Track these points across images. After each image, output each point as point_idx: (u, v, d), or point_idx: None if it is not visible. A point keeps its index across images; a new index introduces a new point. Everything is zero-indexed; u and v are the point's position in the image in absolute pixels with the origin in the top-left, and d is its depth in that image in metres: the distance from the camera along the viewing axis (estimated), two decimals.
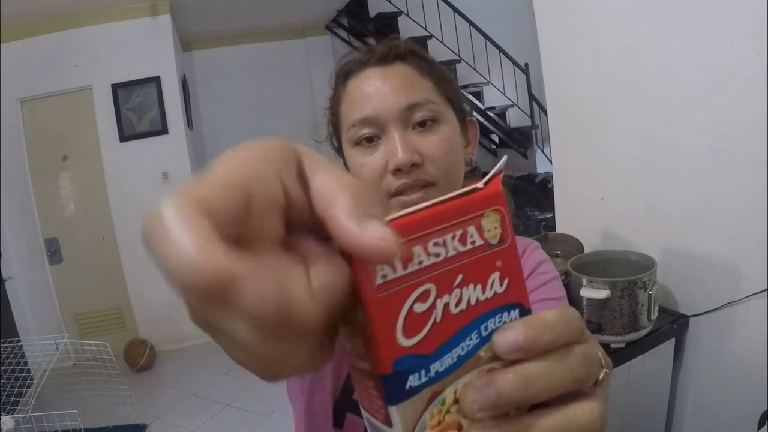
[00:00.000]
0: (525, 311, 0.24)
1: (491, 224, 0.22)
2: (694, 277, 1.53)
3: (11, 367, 2.47)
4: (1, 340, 2.64)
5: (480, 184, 0.23)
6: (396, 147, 0.60)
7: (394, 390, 0.21)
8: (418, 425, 0.22)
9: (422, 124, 0.62)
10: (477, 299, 0.22)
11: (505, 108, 5.09)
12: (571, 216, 1.99)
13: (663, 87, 1.52)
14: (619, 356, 1.42)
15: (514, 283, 0.23)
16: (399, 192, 0.61)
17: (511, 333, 0.22)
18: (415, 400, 0.22)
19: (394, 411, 0.21)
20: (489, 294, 0.22)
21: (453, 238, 0.22)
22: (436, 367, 0.22)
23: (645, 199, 1.65)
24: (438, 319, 0.21)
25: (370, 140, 0.62)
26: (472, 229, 0.22)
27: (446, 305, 0.22)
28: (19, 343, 2.66)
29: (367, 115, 0.62)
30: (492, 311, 0.23)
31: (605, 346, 1.41)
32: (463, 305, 0.22)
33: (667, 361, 1.58)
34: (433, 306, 0.21)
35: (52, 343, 2.51)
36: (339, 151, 0.72)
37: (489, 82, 5.02)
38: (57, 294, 3.79)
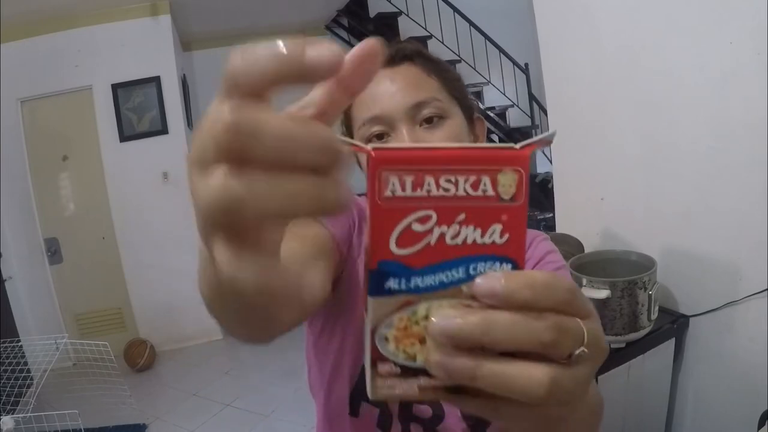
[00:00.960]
0: (517, 269, 0.25)
1: (507, 181, 0.24)
2: (694, 277, 1.53)
3: (11, 367, 2.47)
4: (1, 340, 2.64)
5: (516, 145, 0.25)
6: (404, 141, 0.63)
7: (373, 284, 0.24)
8: (385, 321, 0.25)
9: (429, 121, 0.65)
10: (474, 240, 0.24)
11: (505, 108, 5.09)
12: (571, 216, 1.99)
13: (663, 87, 1.52)
14: (619, 356, 1.42)
15: (513, 240, 0.24)
16: None
17: (492, 280, 0.23)
18: (390, 300, 0.24)
19: (370, 301, 0.25)
20: (487, 240, 0.24)
21: (465, 180, 0.24)
22: (417, 281, 0.24)
23: (645, 199, 1.65)
24: (432, 243, 0.24)
25: (380, 137, 0.66)
26: (486, 179, 0.24)
27: (443, 234, 0.24)
28: (19, 343, 2.66)
29: (376, 113, 0.65)
30: (485, 256, 0.24)
31: None
32: (458, 240, 0.24)
33: (667, 361, 1.58)
34: (430, 230, 0.24)
35: (52, 343, 2.51)
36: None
37: (489, 82, 5.02)
38: (57, 294, 3.79)
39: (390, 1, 4.84)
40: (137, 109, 3.78)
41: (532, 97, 4.78)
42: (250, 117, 0.19)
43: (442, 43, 4.81)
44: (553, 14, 1.88)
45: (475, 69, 4.92)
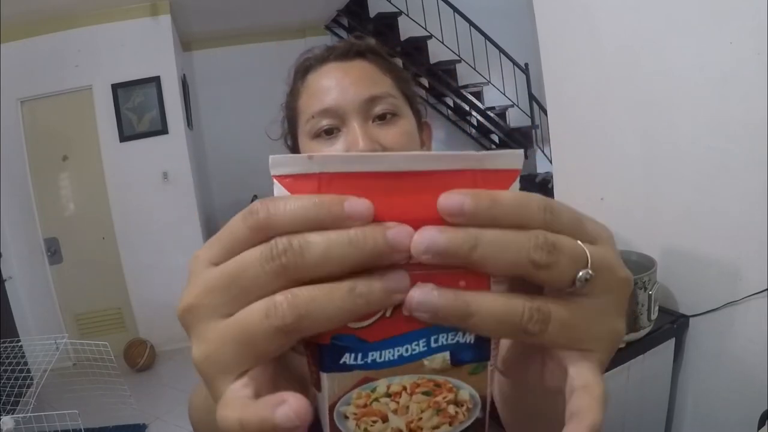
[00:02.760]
0: (482, 336, 0.23)
1: None
2: (694, 277, 1.53)
3: (11, 367, 2.47)
4: (1, 340, 2.64)
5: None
6: (357, 137, 0.60)
7: (327, 359, 0.22)
8: (343, 398, 0.23)
9: (382, 117, 0.63)
10: None
11: (505, 108, 5.09)
12: None
13: (663, 87, 1.52)
14: (619, 356, 1.42)
15: None
16: None
17: (456, 196, 0.21)
18: (346, 375, 0.23)
19: (324, 378, 0.23)
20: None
21: None
22: (375, 356, 0.22)
23: (645, 199, 1.65)
24: (387, 315, 0.22)
25: (330, 132, 0.63)
26: None
27: (399, 305, 0.22)
28: (19, 343, 2.65)
29: (327, 106, 0.62)
30: (446, 327, 0.22)
31: None
32: None
33: (667, 361, 1.58)
34: None
35: (52, 343, 2.51)
36: (293, 150, 0.72)
37: (489, 82, 5.02)
38: (57, 294, 3.79)
39: (390, 1, 4.84)
40: (137, 109, 3.78)
41: (532, 97, 4.78)
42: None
43: (442, 43, 4.81)
44: (553, 14, 1.88)
45: (475, 69, 4.92)
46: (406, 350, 0.22)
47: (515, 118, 5.11)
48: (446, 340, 0.23)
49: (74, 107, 3.71)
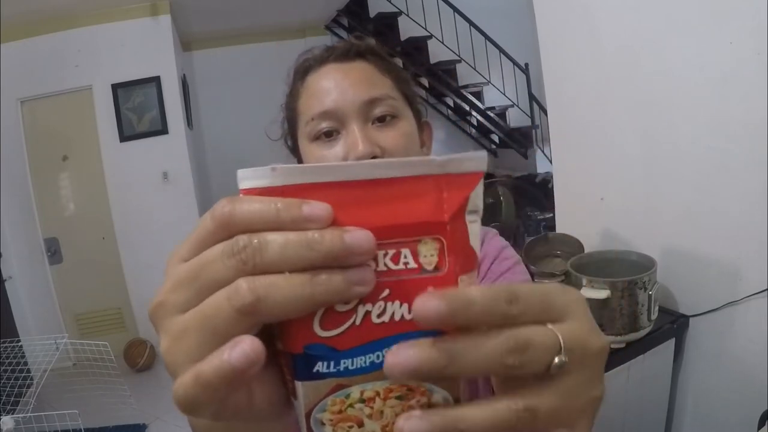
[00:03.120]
0: None
1: (428, 250, 0.22)
2: (694, 277, 1.53)
3: (11, 367, 2.47)
4: (1, 340, 2.64)
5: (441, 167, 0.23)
6: (356, 139, 0.60)
7: (301, 368, 0.23)
8: (318, 405, 0.24)
9: (382, 119, 0.62)
10: (402, 316, 0.22)
11: (505, 108, 5.09)
12: (571, 216, 1.99)
13: (663, 87, 1.52)
14: (619, 356, 1.42)
15: None
16: None
17: (432, 302, 0.20)
18: (320, 383, 0.23)
19: (299, 386, 0.23)
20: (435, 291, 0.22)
21: (385, 255, 0.22)
22: (347, 363, 0.23)
23: (645, 199, 1.65)
24: (357, 323, 0.22)
25: (329, 134, 0.62)
26: (406, 251, 0.22)
27: (368, 312, 0.22)
28: (19, 343, 2.65)
29: (327, 108, 0.62)
30: (416, 333, 0.22)
31: None
32: (385, 317, 0.22)
33: (667, 361, 1.58)
34: (354, 309, 0.22)
35: (52, 343, 2.51)
36: (293, 151, 0.71)
37: (489, 82, 5.02)
38: (57, 294, 3.78)
39: (390, 1, 4.84)
40: (137, 109, 3.78)
41: (532, 97, 4.77)
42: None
43: (442, 43, 4.81)
44: (553, 14, 1.88)
45: (475, 69, 4.91)
46: (377, 357, 0.23)
47: (515, 118, 5.11)
48: None
49: (74, 107, 3.71)
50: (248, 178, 0.22)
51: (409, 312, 0.22)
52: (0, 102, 3.45)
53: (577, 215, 1.95)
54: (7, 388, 2.41)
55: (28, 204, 3.68)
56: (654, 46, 1.52)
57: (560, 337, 0.22)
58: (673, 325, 1.54)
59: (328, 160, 0.61)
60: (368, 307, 0.22)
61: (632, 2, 1.56)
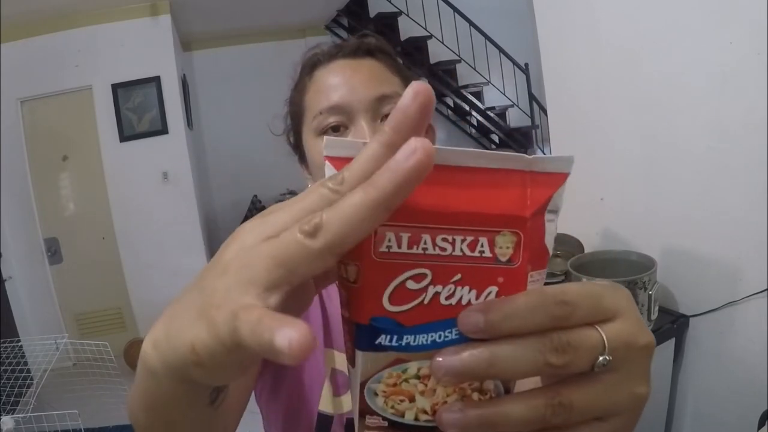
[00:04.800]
0: None
1: (505, 243, 0.23)
2: (694, 277, 1.53)
3: (11, 367, 2.47)
4: (1, 340, 2.64)
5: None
6: (365, 136, 0.59)
7: (364, 339, 0.24)
8: (375, 376, 0.24)
9: None
10: (469, 301, 0.23)
11: (505, 108, 5.09)
12: (571, 216, 1.99)
13: (663, 87, 1.52)
14: None
15: None
16: None
17: (473, 316, 0.22)
18: (380, 355, 0.24)
19: (359, 355, 0.24)
20: (482, 302, 0.23)
21: (463, 240, 0.23)
22: (409, 339, 0.23)
23: (645, 199, 1.65)
24: (425, 302, 0.23)
25: (336, 129, 0.61)
26: (483, 240, 0.23)
27: (437, 293, 0.23)
28: (19, 343, 2.65)
29: (336, 102, 0.61)
30: None
31: None
32: (453, 300, 0.23)
33: (667, 361, 1.58)
34: (424, 289, 0.23)
35: (52, 343, 2.51)
36: (296, 147, 0.71)
37: (489, 82, 5.02)
38: (57, 294, 3.78)
39: (390, 1, 4.84)
40: (137, 109, 3.78)
41: (532, 97, 4.77)
42: None
43: (442, 43, 4.81)
44: (553, 14, 1.88)
45: (475, 69, 4.91)
46: (439, 336, 0.23)
47: (515, 118, 5.11)
48: None
49: (74, 107, 3.71)
50: (335, 146, 0.23)
51: (477, 298, 0.23)
52: (0, 102, 3.45)
53: (577, 215, 1.95)
54: (7, 388, 2.41)
55: (28, 204, 3.67)
56: (654, 46, 1.52)
57: (605, 337, 0.23)
58: (673, 325, 1.54)
59: None
60: (438, 288, 0.23)
61: (632, 2, 1.56)
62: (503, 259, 0.23)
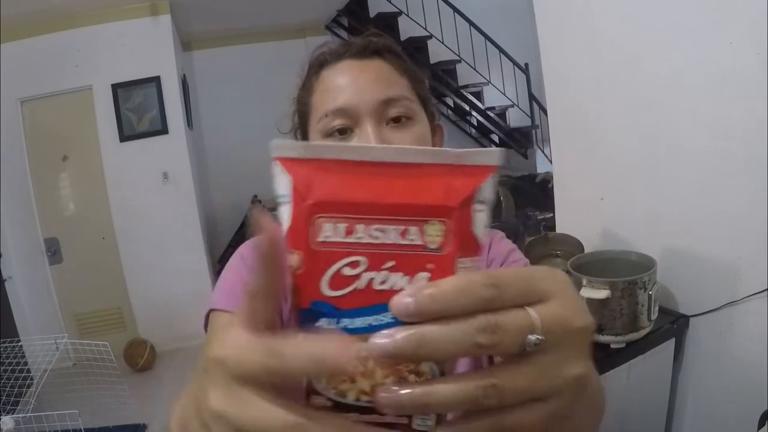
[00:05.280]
0: None
1: (434, 231, 0.25)
2: (694, 277, 1.53)
3: (11, 367, 2.47)
4: (1, 340, 2.64)
5: (467, 158, 0.26)
6: (370, 139, 0.59)
7: (306, 322, 0.25)
8: None
9: (397, 120, 0.61)
10: (401, 287, 0.25)
11: (505, 108, 5.09)
12: (571, 216, 1.99)
13: (663, 87, 1.52)
14: (619, 356, 1.42)
15: None
16: None
17: (403, 300, 0.23)
18: None
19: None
20: (413, 286, 0.25)
21: (395, 230, 0.25)
22: (347, 323, 0.25)
23: (645, 199, 1.65)
24: (361, 287, 0.25)
25: (342, 132, 0.61)
26: (414, 229, 0.25)
27: (371, 279, 0.25)
28: (19, 343, 2.65)
29: (341, 105, 0.60)
30: None
31: (605, 347, 1.41)
32: (386, 285, 0.25)
33: (667, 361, 1.58)
34: (359, 275, 0.25)
35: (52, 343, 2.51)
36: None
37: (489, 82, 5.02)
38: (57, 294, 3.79)
39: (390, 1, 4.84)
40: (137, 109, 3.78)
41: (532, 97, 4.78)
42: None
43: (442, 43, 4.81)
44: (553, 14, 1.88)
45: (475, 69, 4.92)
46: (375, 320, 0.25)
47: (515, 118, 5.11)
48: None
49: (74, 107, 3.71)
50: (282, 148, 0.26)
51: (409, 284, 0.25)
52: (0, 102, 3.45)
53: (577, 215, 1.95)
54: (7, 388, 2.41)
55: (28, 204, 3.68)
56: (654, 46, 1.52)
57: (536, 318, 0.24)
58: (673, 325, 1.54)
59: None
60: (372, 274, 0.25)
61: (633, 2, 1.56)
62: (432, 246, 0.25)
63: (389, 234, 0.25)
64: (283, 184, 0.26)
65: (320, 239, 0.25)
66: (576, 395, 0.26)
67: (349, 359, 0.22)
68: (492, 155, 0.25)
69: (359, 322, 0.25)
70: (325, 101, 0.62)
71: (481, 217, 0.26)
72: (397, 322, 0.24)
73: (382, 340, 0.23)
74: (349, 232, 0.25)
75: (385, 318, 0.25)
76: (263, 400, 0.24)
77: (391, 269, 0.25)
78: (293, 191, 0.25)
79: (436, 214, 0.25)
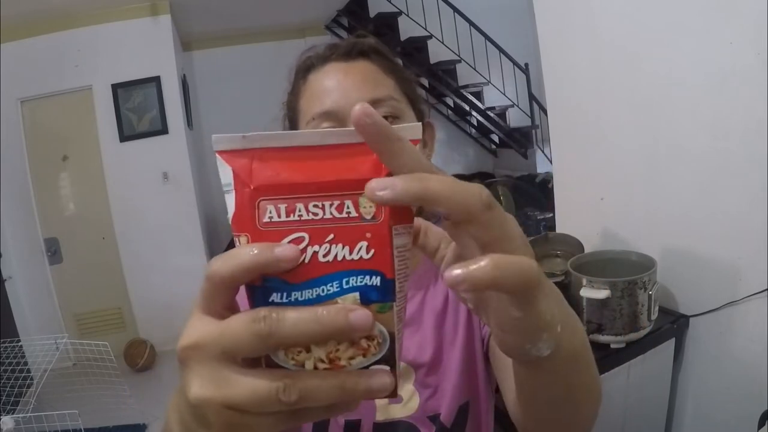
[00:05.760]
0: (386, 280, 0.27)
1: (367, 203, 0.27)
2: (694, 277, 1.53)
3: (11, 367, 2.47)
4: (1, 340, 2.64)
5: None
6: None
7: (259, 298, 0.27)
8: None
9: None
10: (344, 257, 0.27)
11: (505, 108, 5.09)
12: (571, 216, 1.99)
13: (663, 87, 1.52)
14: (619, 356, 1.42)
15: (379, 254, 0.27)
16: None
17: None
18: None
19: None
20: (355, 257, 0.27)
21: (331, 205, 0.27)
22: (297, 295, 0.27)
23: (645, 199, 1.65)
24: (306, 261, 0.27)
25: None
26: (348, 202, 0.27)
27: (315, 253, 0.27)
28: (19, 343, 2.65)
29: (328, 108, 0.61)
30: (355, 271, 0.27)
31: (605, 346, 1.41)
32: (330, 257, 0.27)
33: (667, 361, 1.58)
34: (304, 250, 0.27)
35: (52, 343, 2.51)
36: None
37: (489, 82, 5.02)
38: (57, 294, 3.79)
39: (390, 1, 4.84)
40: (137, 109, 3.78)
41: (532, 97, 4.77)
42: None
43: (442, 43, 4.81)
44: (553, 14, 1.88)
45: (475, 69, 4.91)
46: (323, 290, 0.27)
47: (515, 118, 5.10)
48: (356, 282, 0.27)
49: (74, 107, 3.72)
50: (222, 142, 0.28)
51: (350, 253, 0.27)
52: (0, 102, 3.45)
53: (577, 215, 1.95)
54: (7, 388, 2.41)
55: (28, 204, 3.68)
56: (654, 46, 1.52)
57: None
58: (673, 325, 1.54)
59: None
60: (315, 248, 0.27)
61: (632, 2, 1.56)
62: (368, 217, 0.27)
63: (327, 209, 0.27)
64: (225, 174, 0.28)
65: (265, 220, 0.27)
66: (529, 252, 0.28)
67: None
68: (413, 129, 0.28)
69: (308, 293, 0.27)
70: (312, 105, 0.63)
71: None
72: (342, 291, 0.27)
73: (391, 180, 0.25)
74: (289, 211, 0.27)
75: (332, 288, 0.27)
76: (243, 374, 0.25)
77: (332, 241, 0.27)
78: (235, 179, 0.28)
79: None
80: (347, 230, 0.27)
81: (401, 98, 0.64)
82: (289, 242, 0.27)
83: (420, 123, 0.28)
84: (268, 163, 0.27)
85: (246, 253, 0.26)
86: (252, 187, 0.27)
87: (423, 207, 0.26)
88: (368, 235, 0.27)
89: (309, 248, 0.27)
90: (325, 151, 0.27)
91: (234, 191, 0.27)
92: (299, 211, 0.27)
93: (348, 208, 0.27)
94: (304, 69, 0.67)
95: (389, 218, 0.27)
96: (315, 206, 0.27)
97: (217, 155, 0.28)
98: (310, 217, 0.27)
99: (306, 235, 0.27)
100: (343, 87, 0.61)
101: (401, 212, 0.28)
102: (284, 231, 0.27)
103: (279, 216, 0.27)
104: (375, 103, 0.61)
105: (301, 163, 0.27)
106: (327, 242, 0.27)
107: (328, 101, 0.61)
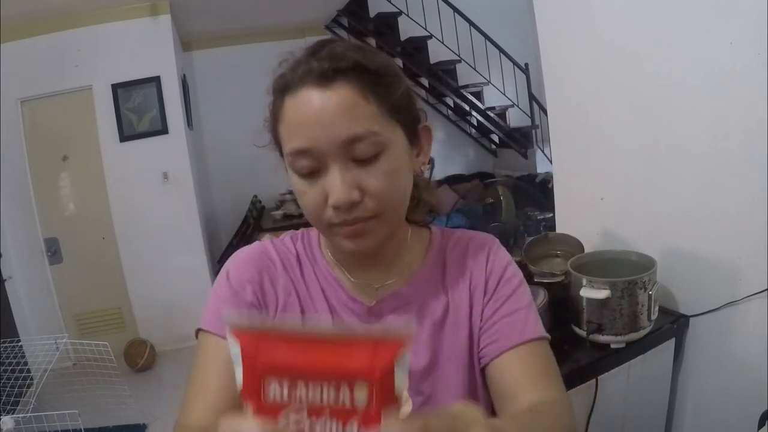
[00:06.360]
0: None
1: (361, 391, 0.31)
2: (694, 277, 1.53)
3: (11, 367, 2.47)
4: (1, 340, 2.64)
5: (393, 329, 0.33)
6: (335, 184, 0.57)
7: None
8: None
9: (364, 156, 0.59)
10: (336, 430, 0.32)
11: (505, 108, 5.09)
12: (571, 216, 1.99)
13: (663, 87, 1.52)
14: (619, 356, 1.42)
15: None
16: (339, 224, 0.61)
17: None
18: None
19: None
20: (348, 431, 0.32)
21: (329, 388, 0.32)
22: None
23: (645, 199, 1.65)
24: (305, 431, 0.32)
25: (314, 172, 0.59)
26: (345, 388, 0.32)
27: (312, 423, 0.32)
28: (19, 343, 2.65)
29: (305, 147, 0.58)
30: None
31: (605, 347, 1.41)
32: (325, 430, 0.32)
33: (667, 361, 1.58)
34: (303, 421, 0.31)
35: (52, 343, 2.51)
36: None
37: (489, 82, 5.02)
38: (57, 294, 3.79)
39: (390, 1, 4.84)
40: (137, 109, 3.78)
41: (532, 97, 4.78)
42: None
43: (442, 43, 4.81)
44: (553, 14, 1.88)
45: (475, 69, 4.92)
46: None
47: (515, 118, 5.11)
48: None
49: (74, 107, 3.72)
50: (233, 318, 0.34)
51: (343, 428, 0.31)
52: (0, 102, 3.45)
53: (577, 215, 1.95)
54: (7, 388, 2.41)
55: (28, 204, 3.68)
56: (654, 46, 1.52)
57: None
58: (673, 325, 1.54)
59: (310, 197, 0.60)
60: (312, 420, 0.32)
61: (633, 2, 1.56)
62: (359, 403, 0.31)
63: (325, 392, 0.31)
64: (234, 347, 0.33)
65: (269, 397, 0.32)
66: None
67: None
68: (402, 330, 0.33)
69: None
70: (289, 137, 0.60)
71: (400, 376, 0.33)
72: None
73: None
74: (292, 389, 0.32)
75: None
76: None
77: (328, 417, 0.31)
78: (243, 355, 0.33)
79: (361, 377, 0.31)
80: (341, 411, 0.31)
81: (384, 123, 0.59)
82: (291, 412, 0.32)
83: (411, 324, 0.33)
84: (273, 344, 0.32)
85: None
86: (257, 366, 0.32)
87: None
88: (359, 417, 0.31)
89: (307, 420, 0.31)
90: (327, 342, 0.32)
91: (242, 365, 0.33)
92: (300, 390, 0.32)
93: (343, 393, 0.31)
94: (279, 90, 0.63)
95: (379, 405, 0.31)
96: (314, 387, 0.31)
97: (228, 330, 0.33)
98: (309, 397, 0.31)
99: (305, 410, 0.32)
100: (320, 121, 0.57)
101: (389, 399, 0.32)
102: (285, 404, 0.32)
103: (281, 392, 0.32)
104: (354, 140, 0.57)
105: (304, 351, 0.32)
106: (323, 417, 0.31)
107: (304, 137, 0.58)
